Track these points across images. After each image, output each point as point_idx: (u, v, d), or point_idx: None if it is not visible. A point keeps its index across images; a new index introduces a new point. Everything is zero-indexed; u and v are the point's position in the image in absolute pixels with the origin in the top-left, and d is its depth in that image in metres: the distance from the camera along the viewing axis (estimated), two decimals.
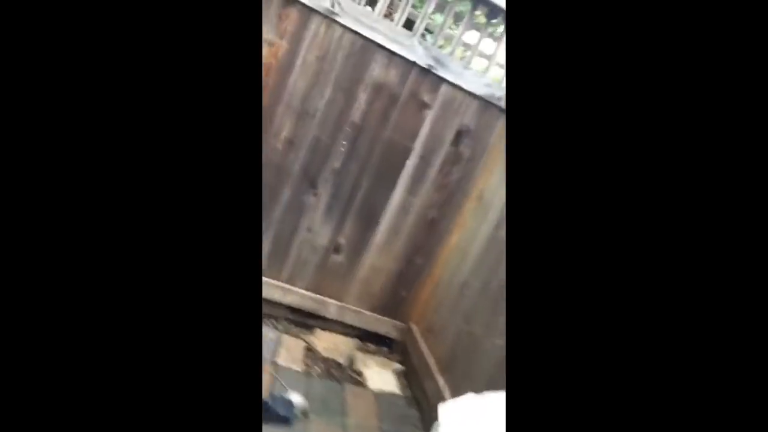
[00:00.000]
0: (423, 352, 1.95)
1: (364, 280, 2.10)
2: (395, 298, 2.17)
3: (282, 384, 1.47)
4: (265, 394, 1.48)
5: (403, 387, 1.96)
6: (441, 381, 1.73)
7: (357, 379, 1.87)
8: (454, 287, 1.96)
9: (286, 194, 1.88)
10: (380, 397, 1.79)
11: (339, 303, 2.08)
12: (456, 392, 1.63)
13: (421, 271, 2.15)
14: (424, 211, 2.04)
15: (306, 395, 1.58)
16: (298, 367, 1.76)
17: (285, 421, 1.40)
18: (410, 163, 1.95)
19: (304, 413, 1.47)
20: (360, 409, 1.65)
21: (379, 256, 2.07)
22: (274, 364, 1.71)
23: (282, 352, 1.81)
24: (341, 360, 1.95)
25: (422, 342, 2.01)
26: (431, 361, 1.85)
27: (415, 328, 2.12)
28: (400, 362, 2.13)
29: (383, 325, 2.17)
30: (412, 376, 2.01)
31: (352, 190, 1.94)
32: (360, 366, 1.95)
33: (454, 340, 1.80)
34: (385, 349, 2.22)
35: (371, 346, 2.19)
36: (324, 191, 1.91)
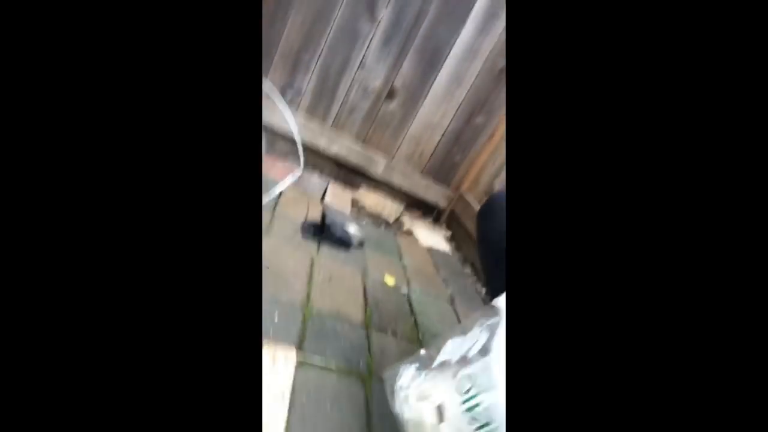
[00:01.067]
0: (474, 211, 1.78)
1: (416, 138, 1.88)
2: (449, 162, 1.96)
3: (333, 217, 1.31)
4: (319, 219, 1.32)
5: (454, 251, 1.81)
6: None
7: (407, 234, 1.72)
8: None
9: (338, 16, 1.60)
10: (433, 252, 1.65)
11: (388, 161, 1.88)
12: None
13: (480, 133, 1.91)
14: (493, 57, 1.75)
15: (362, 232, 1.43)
16: (346, 211, 1.60)
17: (343, 244, 1.25)
18: None
19: (361, 243, 1.32)
20: (416, 256, 1.51)
21: (437, 108, 1.83)
22: (323, 203, 1.55)
23: (330, 195, 1.64)
24: (389, 219, 1.79)
25: (474, 203, 1.83)
26: None
27: (469, 197, 1.94)
28: (449, 231, 1.98)
29: (433, 192, 1.99)
30: (463, 244, 1.86)
31: (416, 20, 1.64)
32: (407, 224, 1.79)
33: None
34: (431, 218, 2.06)
35: (418, 214, 2.03)
36: (383, 18, 1.62)
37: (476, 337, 0.48)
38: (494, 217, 0.80)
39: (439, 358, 0.54)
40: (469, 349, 0.47)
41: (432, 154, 1.93)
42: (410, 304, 1.16)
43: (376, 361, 0.86)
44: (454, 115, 1.86)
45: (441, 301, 1.27)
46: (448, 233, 1.94)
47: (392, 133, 1.85)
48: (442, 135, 1.89)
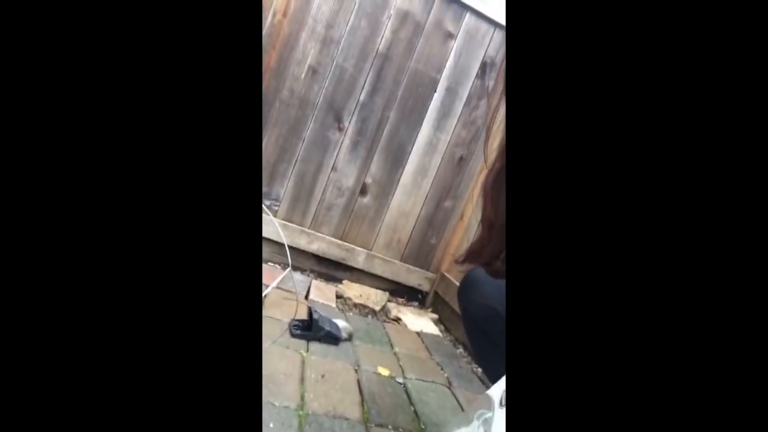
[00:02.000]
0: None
1: (392, 226, 1.98)
2: (425, 246, 2.05)
3: (320, 312, 1.33)
4: (305, 316, 1.33)
5: (443, 332, 1.81)
6: None
7: (395, 322, 1.72)
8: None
9: (309, 129, 1.79)
10: (423, 335, 1.64)
11: (367, 251, 1.95)
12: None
13: (450, 215, 2.04)
14: (451, 149, 1.96)
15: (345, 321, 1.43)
16: (332, 305, 1.61)
17: (333, 339, 1.24)
18: (437, 97, 1.88)
19: (350, 336, 1.32)
20: (406, 343, 1.50)
21: (407, 198, 1.97)
22: (308, 299, 1.56)
23: (314, 291, 1.66)
24: (375, 308, 1.80)
25: (456, 282, 1.87)
26: None
27: (448, 277, 1.99)
28: (435, 313, 1.98)
29: (414, 276, 2.04)
30: (451, 325, 1.86)
31: (379, 125, 1.86)
32: (394, 312, 1.80)
33: None
34: (416, 303, 2.08)
35: (402, 300, 2.04)
36: (349, 126, 1.83)
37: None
38: (473, 291, 0.85)
39: None
40: None
41: (408, 240, 2.02)
42: (407, 394, 1.13)
43: None
44: (424, 203, 2.00)
45: (438, 386, 1.24)
46: (435, 316, 1.95)
47: (369, 225, 1.95)
48: (416, 221, 2.01)
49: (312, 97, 1.76)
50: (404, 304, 2.00)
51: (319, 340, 1.22)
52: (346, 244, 1.91)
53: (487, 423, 0.49)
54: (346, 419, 0.92)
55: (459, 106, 1.93)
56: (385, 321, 1.70)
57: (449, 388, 1.25)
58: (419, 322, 1.80)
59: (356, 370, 1.15)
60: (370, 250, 1.96)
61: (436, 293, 2.05)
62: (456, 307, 1.82)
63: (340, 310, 1.62)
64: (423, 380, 1.24)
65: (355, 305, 1.76)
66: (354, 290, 1.87)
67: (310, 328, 1.24)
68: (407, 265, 2.03)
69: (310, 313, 1.29)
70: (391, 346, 1.43)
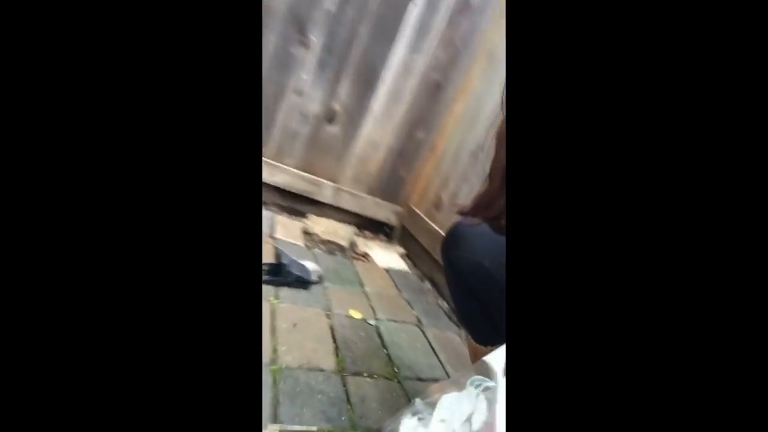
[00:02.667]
0: (432, 232, 1.79)
1: (360, 158, 1.86)
2: (394, 179, 1.96)
3: (288, 254, 1.25)
4: (273, 259, 1.25)
5: (411, 267, 1.81)
6: None
7: (363, 259, 1.69)
8: (463, 158, 1.78)
9: (269, 42, 1.53)
10: (392, 272, 1.64)
11: (334, 184, 1.84)
12: None
13: (422, 147, 1.94)
14: (427, 73, 1.79)
15: (315, 261, 1.38)
16: (299, 243, 1.53)
17: (303, 283, 1.19)
18: (414, 9, 1.65)
19: (320, 278, 1.27)
20: (375, 281, 1.48)
21: (378, 127, 1.82)
22: (274, 238, 1.47)
23: (279, 229, 1.56)
24: (342, 243, 1.75)
25: (429, 222, 1.84)
26: (435, 230, 1.70)
27: (417, 211, 1.95)
28: (403, 247, 1.98)
29: (382, 210, 1.98)
30: (418, 259, 1.87)
31: (348, 41, 1.63)
32: (361, 247, 1.76)
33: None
34: (384, 237, 2.05)
35: (369, 234, 2.00)
36: (316, 41, 1.58)
37: (473, 401, 0.46)
38: (461, 246, 0.79)
39: (438, 415, 0.52)
40: (470, 416, 0.45)
41: (378, 173, 1.92)
42: (380, 337, 1.13)
43: (357, 412, 0.81)
44: (396, 133, 1.87)
45: (409, 326, 1.25)
46: (402, 250, 1.94)
47: (336, 156, 1.81)
48: (386, 153, 1.89)
49: (272, 3, 1.48)
50: (372, 239, 1.97)
51: (289, 285, 1.16)
52: (311, 176, 1.78)
53: (491, 392, 0.47)
54: (321, 370, 0.89)
55: (438, 23, 1.72)
56: (353, 257, 1.66)
57: (419, 327, 1.27)
58: (387, 257, 1.79)
59: (328, 315, 1.12)
60: (338, 183, 1.85)
61: (403, 227, 2.02)
62: (424, 242, 1.81)
63: (308, 248, 1.55)
64: (394, 320, 1.24)
65: (323, 241, 1.70)
66: (321, 225, 1.79)
67: (279, 273, 1.16)
68: (376, 199, 1.95)
69: (277, 256, 1.21)
70: (361, 285, 1.40)
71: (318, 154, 1.78)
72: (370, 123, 1.80)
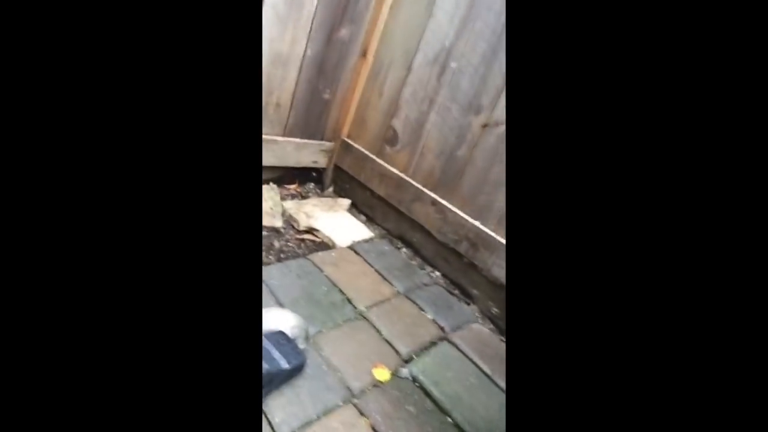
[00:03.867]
0: (387, 176, 1.34)
1: (265, 86, 1.17)
2: (315, 106, 1.35)
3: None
4: None
5: (370, 225, 1.39)
6: (430, 197, 1.21)
7: (316, 241, 1.20)
8: (398, 65, 1.25)
9: None
10: (361, 249, 1.21)
11: None
12: (464, 213, 1.17)
13: (347, 52, 1.32)
14: None
15: (276, 299, 0.87)
16: None
17: (298, 370, 0.71)
18: None
19: (306, 334, 0.80)
20: (357, 281, 1.05)
21: (281, 32, 1.12)
22: None
23: None
24: (276, 223, 1.19)
25: (382, 164, 1.37)
26: (395, 174, 1.28)
27: (352, 144, 1.43)
28: (344, 196, 1.50)
29: (306, 153, 1.40)
30: (371, 209, 1.43)
31: None
32: (303, 219, 1.24)
33: (426, 136, 1.22)
34: (313, 185, 1.51)
35: (295, 189, 1.44)
36: None
37: None
38: None
39: None
40: None
41: (292, 102, 1.27)
42: (428, 395, 0.78)
43: None
44: (308, 37, 1.19)
45: (440, 346, 0.93)
46: (347, 201, 1.47)
47: None
48: (299, 69, 1.23)
49: None
50: (300, 195, 1.42)
51: (277, 387, 0.68)
52: None
53: None
54: None
55: None
56: (300, 243, 1.16)
57: (448, 340, 0.96)
58: (339, 223, 1.31)
59: (358, 409, 0.71)
60: None
61: (337, 168, 1.50)
62: (368, 183, 1.37)
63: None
64: (424, 349, 0.90)
65: None
66: None
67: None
68: (295, 140, 1.35)
69: None
70: (349, 302, 0.97)
71: None
72: (269, 26, 1.08)
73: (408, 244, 1.33)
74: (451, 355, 0.91)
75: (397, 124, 1.32)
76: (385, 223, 1.39)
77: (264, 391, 0.65)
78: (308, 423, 0.65)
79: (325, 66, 1.29)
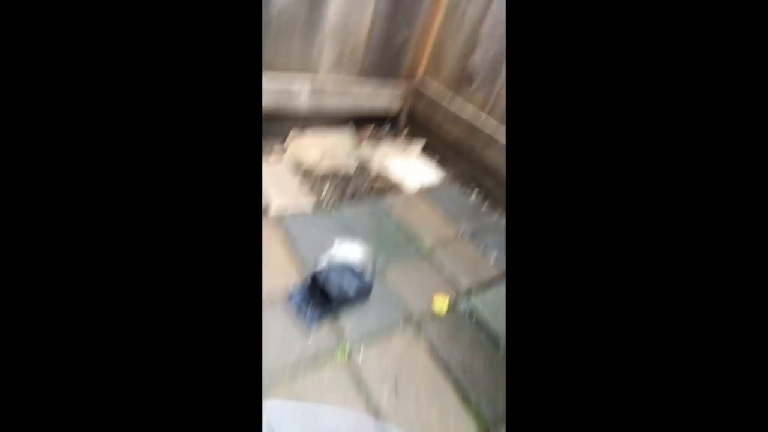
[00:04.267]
0: (452, 113, 1.32)
1: (338, 29, 1.20)
2: (392, 46, 1.35)
3: (326, 269, 0.82)
4: (298, 280, 0.83)
5: (441, 169, 1.41)
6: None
7: (387, 185, 1.26)
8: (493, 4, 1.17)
9: None
10: (429, 193, 1.25)
11: (310, 81, 1.23)
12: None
13: None
14: None
15: (348, 234, 0.97)
16: (305, 203, 1.07)
17: (363, 296, 0.81)
18: None
19: (373, 269, 0.88)
20: (423, 220, 1.11)
21: None
22: (275, 211, 1.00)
23: (268, 192, 1.06)
24: (350, 166, 1.28)
25: (447, 100, 1.35)
26: (467, 121, 1.25)
27: (431, 84, 1.42)
28: (417, 140, 1.52)
29: (382, 96, 1.43)
30: (442, 154, 1.44)
31: None
32: (376, 163, 1.31)
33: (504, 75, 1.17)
34: (387, 130, 1.56)
35: (370, 133, 1.50)
36: None
37: None
38: None
39: None
40: None
41: (368, 43, 1.29)
42: (478, 323, 0.84)
43: None
44: None
45: (497, 286, 0.96)
46: (418, 146, 1.49)
47: (302, 37, 1.15)
48: (373, 11, 1.22)
49: None
50: (374, 139, 1.48)
51: (348, 307, 0.79)
52: (278, 80, 1.16)
53: None
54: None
55: None
56: (372, 188, 1.23)
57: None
58: (410, 167, 1.36)
59: (418, 329, 0.79)
60: (315, 76, 1.24)
61: (410, 113, 1.51)
62: (437, 124, 1.37)
63: (317, 202, 1.09)
64: (480, 287, 0.94)
65: (324, 177, 1.22)
66: (309, 151, 1.26)
67: (322, 299, 0.77)
68: (369, 84, 1.38)
69: (313, 279, 0.79)
70: (417, 241, 1.03)
71: (277, 42, 1.11)
72: None
73: (478, 188, 1.33)
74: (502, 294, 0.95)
75: (475, 61, 1.27)
76: (455, 168, 1.40)
77: (336, 310, 0.76)
78: (372, 336, 0.75)
79: (400, 6, 1.26)
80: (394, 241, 1.01)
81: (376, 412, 0.64)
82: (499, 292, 0.94)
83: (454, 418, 0.67)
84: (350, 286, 0.78)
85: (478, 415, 0.68)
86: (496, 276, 0.99)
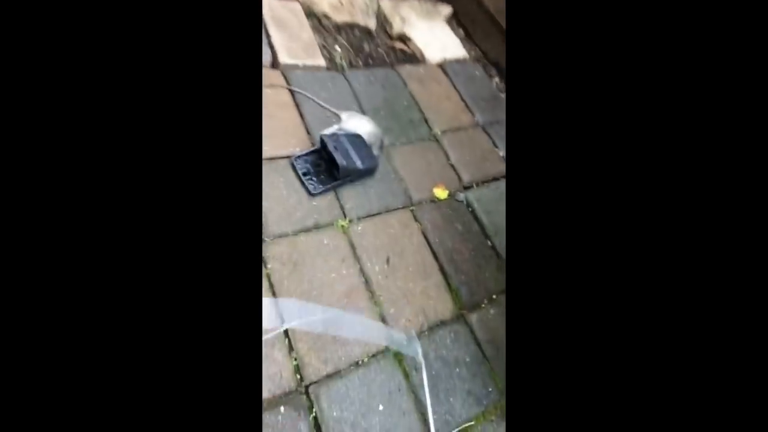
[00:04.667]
0: None
1: None
2: None
3: (336, 135, 0.78)
4: (308, 146, 0.80)
5: (467, 43, 1.27)
6: None
7: (406, 51, 1.15)
8: None
9: None
10: (451, 70, 1.15)
11: None
12: None
13: None
14: None
15: (359, 104, 0.92)
16: (316, 60, 0.97)
17: (368, 172, 0.81)
18: None
19: (381, 142, 0.86)
20: (439, 103, 1.05)
21: None
22: (282, 66, 0.91)
23: (275, 40, 0.95)
24: (369, 22, 1.14)
25: None
26: None
27: None
28: (446, 2, 1.33)
29: None
30: (472, 24, 1.28)
31: None
32: (397, 23, 1.16)
33: None
34: None
35: None
36: None
37: None
38: None
39: None
40: None
41: None
42: (474, 214, 0.87)
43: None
44: None
45: (497, 182, 0.97)
46: (449, 10, 1.31)
47: None
48: None
49: None
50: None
51: (351, 179, 0.79)
52: None
53: None
54: (443, 323, 0.71)
55: None
56: (390, 51, 1.12)
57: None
58: (434, 35, 1.21)
59: (414, 213, 0.82)
60: None
61: None
62: None
63: (329, 63, 0.99)
64: (483, 182, 0.95)
65: (339, 28, 1.09)
66: None
67: (329, 166, 0.76)
68: None
69: (322, 144, 0.77)
70: (428, 124, 0.99)
71: None
72: None
73: (501, 73, 1.23)
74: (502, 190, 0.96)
75: None
76: (483, 43, 1.26)
77: (339, 182, 0.77)
78: (371, 215, 0.78)
79: None
80: (405, 120, 0.96)
81: (367, 280, 0.70)
82: (499, 189, 0.95)
83: (436, 294, 0.74)
84: (358, 157, 0.77)
85: (457, 297, 0.75)
86: (500, 173, 0.99)
